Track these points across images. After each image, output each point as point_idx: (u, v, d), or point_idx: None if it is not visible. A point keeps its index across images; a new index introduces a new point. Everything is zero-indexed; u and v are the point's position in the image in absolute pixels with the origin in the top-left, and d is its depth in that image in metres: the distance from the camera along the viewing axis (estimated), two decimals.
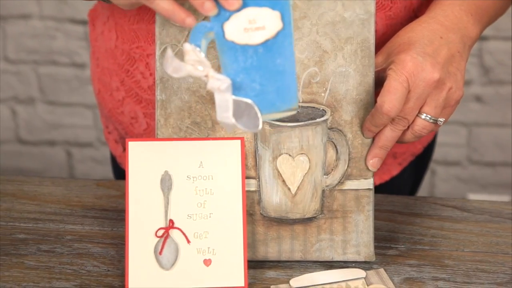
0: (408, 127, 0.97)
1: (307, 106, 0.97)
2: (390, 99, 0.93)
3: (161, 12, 0.89)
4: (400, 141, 0.98)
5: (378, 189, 1.14)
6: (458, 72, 0.97)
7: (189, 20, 0.87)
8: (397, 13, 1.06)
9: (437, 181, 2.22)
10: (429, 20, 1.00)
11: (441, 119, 0.97)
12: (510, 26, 2.05)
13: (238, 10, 0.84)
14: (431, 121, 0.97)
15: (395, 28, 1.05)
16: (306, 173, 0.98)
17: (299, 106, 0.97)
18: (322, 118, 0.97)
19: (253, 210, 0.99)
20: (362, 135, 0.98)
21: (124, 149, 1.26)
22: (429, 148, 1.31)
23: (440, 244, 1.05)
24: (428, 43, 0.96)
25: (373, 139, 0.98)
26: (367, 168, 0.98)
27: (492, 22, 1.08)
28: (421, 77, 0.94)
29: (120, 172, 1.31)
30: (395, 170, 1.23)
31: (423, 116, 0.97)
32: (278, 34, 0.84)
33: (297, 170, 0.98)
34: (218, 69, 0.89)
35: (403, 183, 1.27)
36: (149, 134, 1.17)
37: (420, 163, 1.29)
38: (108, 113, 1.22)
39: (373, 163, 0.98)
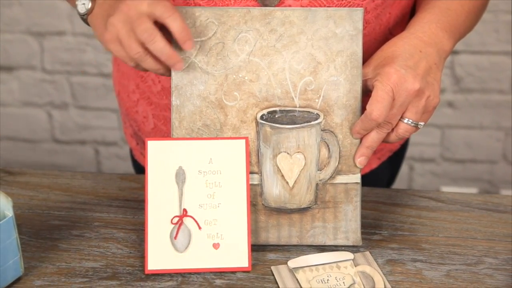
0: (392, 129, 0.97)
1: (303, 111, 0.97)
2: (378, 107, 0.92)
3: (157, 54, 0.91)
4: (385, 141, 0.98)
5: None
6: (435, 82, 0.97)
7: (178, 66, 0.93)
8: (371, 32, 1.06)
9: (414, 176, 2.21)
10: (409, 35, 0.99)
11: (421, 123, 0.97)
12: (478, 42, 2.05)
13: None
14: (413, 125, 0.96)
15: (370, 45, 1.05)
16: (302, 169, 0.97)
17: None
18: (316, 121, 0.97)
19: (256, 201, 0.98)
20: (351, 136, 0.97)
21: (137, 142, 1.26)
22: (404, 145, 1.31)
23: (418, 230, 1.04)
24: (409, 57, 0.95)
25: (361, 139, 0.97)
26: (355, 165, 0.98)
27: (462, 37, 1.08)
28: (404, 87, 0.94)
29: (136, 165, 1.31)
30: (374, 164, 1.22)
31: (405, 121, 0.96)
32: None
33: (294, 166, 0.97)
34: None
35: (381, 175, 1.26)
36: (155, 132, 1.16)
37: (396, 158, 1.29)
38: (126, 111, 1.23)
39: (361, 160, 0.97)
